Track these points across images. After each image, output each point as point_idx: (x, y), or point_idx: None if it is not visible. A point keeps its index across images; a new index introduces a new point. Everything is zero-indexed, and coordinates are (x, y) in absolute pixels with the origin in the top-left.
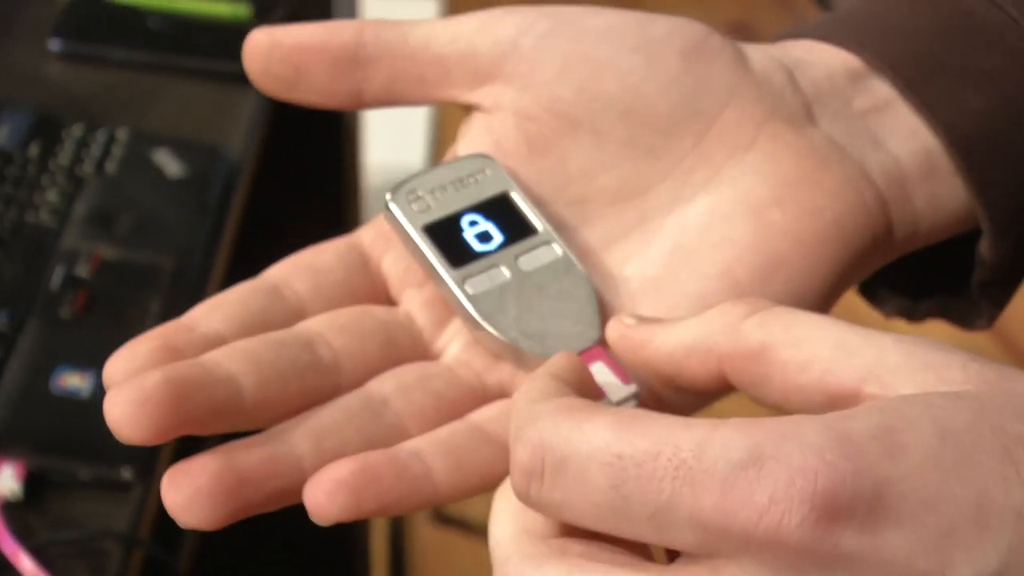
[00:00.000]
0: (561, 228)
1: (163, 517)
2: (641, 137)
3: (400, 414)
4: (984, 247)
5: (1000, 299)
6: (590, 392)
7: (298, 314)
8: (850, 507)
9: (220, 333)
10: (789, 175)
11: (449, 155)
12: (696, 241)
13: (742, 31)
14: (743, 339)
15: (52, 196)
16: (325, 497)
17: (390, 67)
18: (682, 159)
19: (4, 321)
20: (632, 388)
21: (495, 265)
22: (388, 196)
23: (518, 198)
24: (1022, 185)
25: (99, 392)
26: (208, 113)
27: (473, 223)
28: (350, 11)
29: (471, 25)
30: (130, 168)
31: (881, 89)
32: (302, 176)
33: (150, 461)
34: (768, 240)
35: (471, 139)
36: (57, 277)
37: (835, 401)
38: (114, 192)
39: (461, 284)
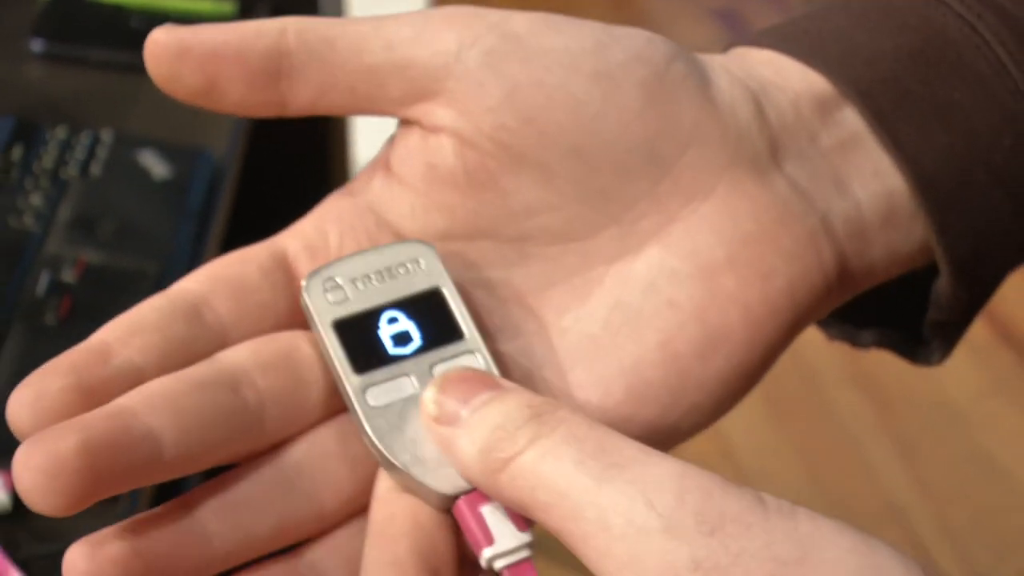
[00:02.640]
0: (498, 266)
1: None
2: (592, 176)
3: (314, 485)
4: (941, 288)
5: (952, 338)
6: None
7: (219, 341)
8: None
9: (137, 366)
10: (746, 233)
11: (379, 164)
12: (640, 300)
13: (730, 18)
14: (501, 494)
15: (36, 200)
16: None
17: (317, 78)
18: (634, 204)
19: None
20: (526, 537)
21: (405, 373)
22: (303, 283)
23: (449, 296)
24: (979, 226)
25: None
26: (193, 114)
27: (392, 320)
28: (336, 4)
29: (407, 32)
30: (114, 170)
31: (848, 122)
32: (289, 177)
33: None
34: (714, 309)
35: (404, 158)
36: (42, 283)
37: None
38: (98, 195)
39: (361, 393)
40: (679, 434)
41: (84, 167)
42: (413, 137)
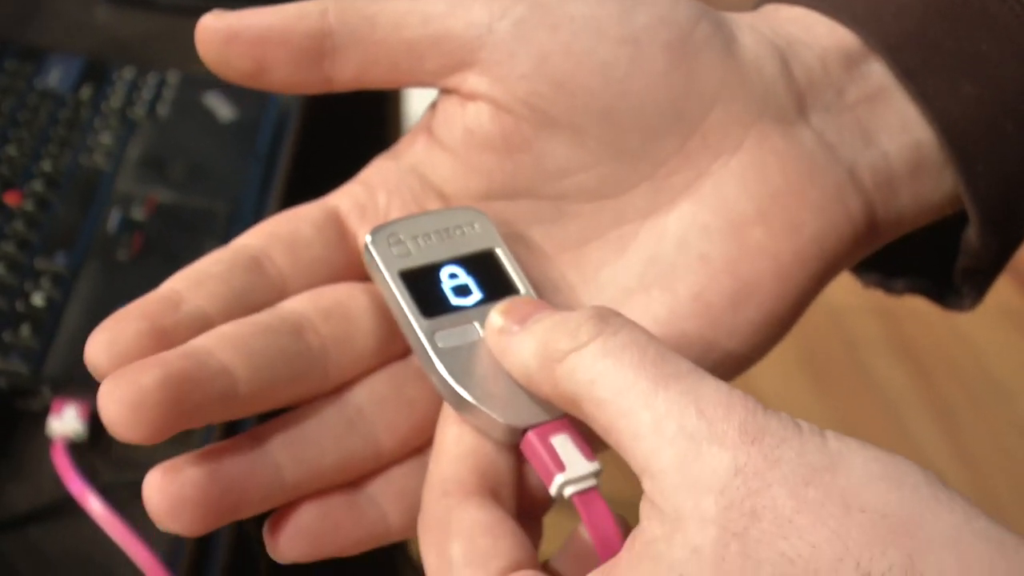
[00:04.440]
0: (536, 224)
1: None
2: (622, 137)
3: (373, 425)
4: (971, 237)
5: (982, 285)
6: (501, 472)
7: (279, 291)
8: None
9: (205, 312)
10: (774, 186)
11: (421, 129)
12: (673, 255)
13: None
14: (556, 386)
15: (105, 139)
16: (286, 541)
17: (359, 55)
18: (664, 161)
19: (62, 263)
20: (595, 466)
21: (469, 321)
22: (368, 237)
23: (503, 256)
24: (1008, 176)
25: None
26: None
27: (453, 275)
28: None
29: (441, 6)
30: (181, 112)
31: (875, 75)
32: (350, 119)
33: None
34: (744, 261)
35: (443, 124)
36: (113, 220)
37: (636, 472)
38: (166, 136)
39: (431, 335)
40: None
41: (151, 108)
42: (452, 104)
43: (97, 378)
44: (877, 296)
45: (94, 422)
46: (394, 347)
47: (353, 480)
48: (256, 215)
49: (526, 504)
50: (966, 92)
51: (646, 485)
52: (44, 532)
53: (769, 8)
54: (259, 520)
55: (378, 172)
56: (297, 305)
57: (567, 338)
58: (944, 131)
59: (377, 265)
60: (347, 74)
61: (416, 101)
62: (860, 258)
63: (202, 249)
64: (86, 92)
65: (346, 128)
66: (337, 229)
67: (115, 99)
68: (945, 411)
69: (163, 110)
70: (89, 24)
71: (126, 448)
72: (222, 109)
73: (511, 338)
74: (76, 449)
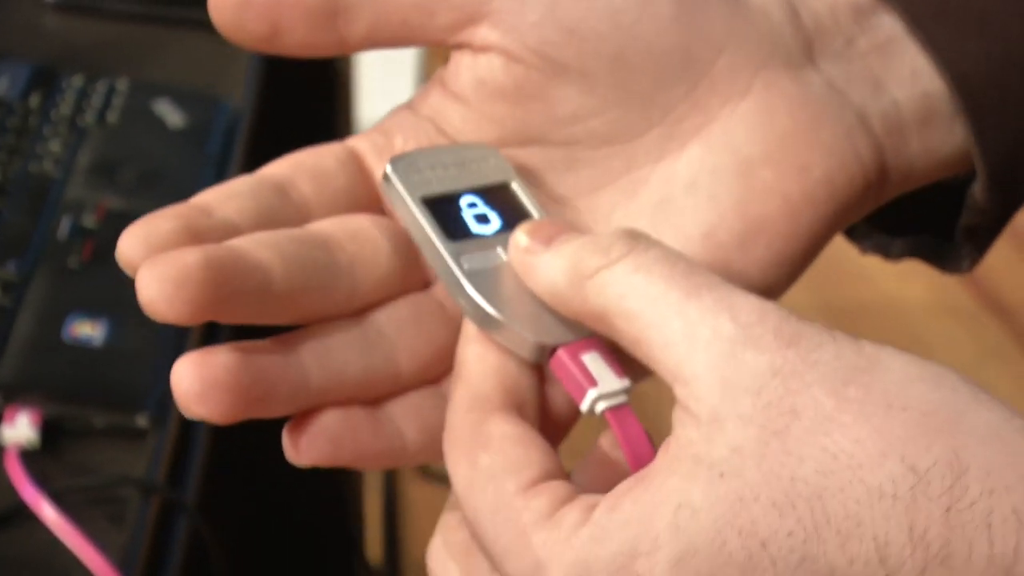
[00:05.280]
0: (549, 171)
1: (178, 463)
2: (632, 82)
3: (393, 347)
4: (977, 192)
5: (983, 244)
6: (521, 386)
7: (304, 216)
8: None
9: (235, 223)
10: (783, 128)
11: (435, 81)
12: (682, 197)
13: None
14: (586, 301)
15: (55, 146)
16: (307, 441)
17: (371, 13)
18: (674, 107)
19: (12, 271)
20: (625, 383)
21: (492, 247)
22: (388, 166)
23: (519, 189)
24: (1016, 132)
25: (111, 341)
26: (207, 63)
27: (472, 205)
28: None
29: None
30: (131, 119)
31: (885, 26)
32: (299, 123)
33: (165, 408)
34: (754, 201)
35: (456, 76)
36: (64, 227)
37: (668, 380)
38: (116, 143)
39: (457, 258)
40: None
41: (101, 115)
42: (464, 57)
43: (129, 272)
44: (826, 292)
45: (46, 429)
46: (414, 277)
47: (372, 398)
48: None
49: (546, 429)
50: (974, 45)
51: (679, 392)
52: None
53: None
54: (213, 525)
55: (394, 121)
56: (324, 225)
57: (598, 255)
58: (954, 82)
59: (399, 191)
60: (360, 33)
61: (367, 106)
62: (870, 207)
63: None
64: (35, 100)
65: (296, 131)
66: (358, 165)
67: (64, 106)
68: None
69: (113, 117)
70: (38, 31)
71: (78, 455)
72: (172, 115)
73: (537, 257)
74: (29, 456)
